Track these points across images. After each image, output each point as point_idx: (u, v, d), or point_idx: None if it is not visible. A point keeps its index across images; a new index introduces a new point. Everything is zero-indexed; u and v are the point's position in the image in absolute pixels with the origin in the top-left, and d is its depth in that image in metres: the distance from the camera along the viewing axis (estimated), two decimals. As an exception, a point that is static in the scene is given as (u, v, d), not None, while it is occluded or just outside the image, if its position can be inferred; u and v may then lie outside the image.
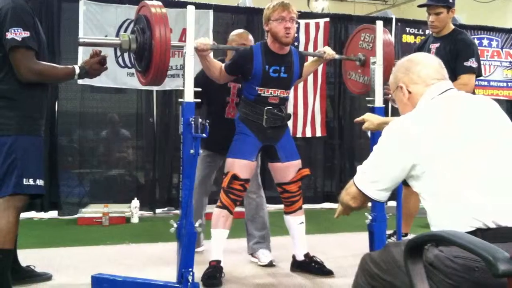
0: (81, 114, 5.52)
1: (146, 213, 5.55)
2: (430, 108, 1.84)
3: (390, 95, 2.17)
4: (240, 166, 3.33)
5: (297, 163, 3.53)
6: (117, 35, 5.00)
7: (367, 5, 10.76)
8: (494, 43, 6.66)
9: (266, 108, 3.36)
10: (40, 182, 2.93)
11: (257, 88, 3.35)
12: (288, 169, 3.49)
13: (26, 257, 3.39)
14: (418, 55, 2.03)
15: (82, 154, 5.60)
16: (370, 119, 2.76)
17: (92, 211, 5.34)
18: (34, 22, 2.90)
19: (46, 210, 5.29)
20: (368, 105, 3.54)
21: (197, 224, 2.92)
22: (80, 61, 4.68)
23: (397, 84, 1.97)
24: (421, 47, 4.04)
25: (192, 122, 2.85)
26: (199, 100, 2.96)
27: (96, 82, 4.92)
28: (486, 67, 6.48)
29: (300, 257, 3.56)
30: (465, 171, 1.70)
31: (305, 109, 5.98)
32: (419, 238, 1.49)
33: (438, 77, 1.92)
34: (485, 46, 6.57)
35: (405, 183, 1.88)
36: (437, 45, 3.89)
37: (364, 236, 3.53)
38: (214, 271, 3.31)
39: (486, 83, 6.59)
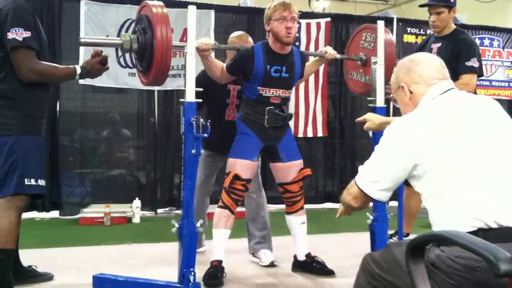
0: (83, 114, 5.53)
1: (147, 213, 5.55)
2: (432, 108, 1.84)
3: (391, 95, 2.17)
4: (242, 166, 3.33)
5: (299, 163, 3.53)
6: (118, 35, 5.01)
7: (368, 5, 10.74)
8: (495, 43, 6.65)
9: (267, 108, 3.36)
10: (41, 182, 2.93)
11: (258, 88, 3.35)
12: (290, 169, 3.48)
13: (28, 257, 3.39)
14: (420, 55, 2.03)
15: (83, 154, 5.60)
16: (371, 119, 2.76)
17: (94, 211, 5.34)
18: (35, 22, 2.90)
19: (48, 210, 5.29)
20: (370, 105, 3.54)
21: (198, 224, 2.92)
22: (81, 61, 4.69)
23: (399, 84, 1.97)
24: (423, 47, 4.04)
25: (194, 122, 2.85)
26: (200, 100, 2.96)
27: (98, 82, 4.93)
28: (488, 67, 6.48)
29: (302, 257, 3.56)
30: (466, 171, 1.70)
31: (306, 109, 5.98)
32: (421, 238, 1.49)
33: (440, 77, 1.92)
34: (486, 46, 6.57)
35: (406, 183, 1.88)
36: (439, 45, 3.88)
37: (365, 236, 3.53)
38: (216, 271, 3.31)
39: (487, 83, 6.58)
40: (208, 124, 2.87)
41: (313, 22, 5.97)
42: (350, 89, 4.06)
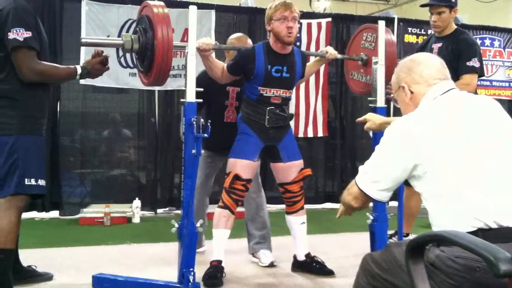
0: (83, 114, 5.53)
1: (147, 213, 5.55)
2: (432, 108, 1.84)
3: (392, 95, 2.16)
4: (242, 166, 3.33)
5: (299, 163, 3.53)
6: (119, 35, 5.01)
7: (369, 5, 10.74)
8: (496, 43, 6.65)
9: (268, 108, 3.36)
10: (41, 182, 2.93)
11: (259, 88, 3.35)
12: (290, 169, 3.48)
13: (28, 257, 3.39)
14: (421, 55, 2.03)
15: (83, 154, 5.60)
16: (372, 119, 2.75)
17: (94, 211, 5.34)
18: (36, 22, 2.90)
19: (48, 210, 5.29)
20: (370, 105, 3.54)
21: (198, 224, 2.92)
22: (82, 61, 4.69)
23: (399, 84, 1.97)
24: (424, 47, 4.04)
25: (194, 122, 2.85)
26: (201, 100, 2.96)
27: (98, 82, 4.93)
28: (488, 67, 6.48)
29: (301, 257, 3.56)
30: (467, 171, 1.70)
31: (307, 109, 5.98)
32: (421, 238, 1.49)
33: (440, 77, 1.92)
34: (487, 46, 6.56)
35: (406, 183, 1.88)
36: (440, 45, 3.88)
37: (365, 236, 3.53)
38: (215, 271, 3.31)
39: (488, 83, 6.58)
40: (209, 124, 2.87)
41: (314, 22, 5.96)
42: (351, 89, 4.06)
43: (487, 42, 6.60)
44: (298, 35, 3.79)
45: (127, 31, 5.15)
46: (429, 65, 1.93)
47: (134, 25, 3.49)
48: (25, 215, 3.97)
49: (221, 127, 3.49)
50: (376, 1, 10.92)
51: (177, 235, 2.93)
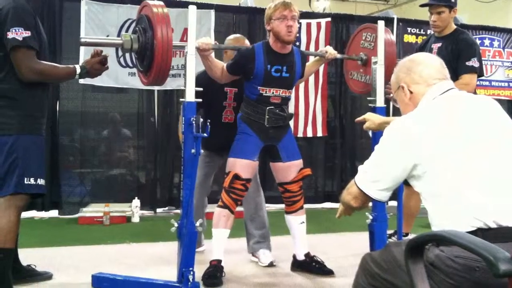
0: (83, 113, 5.53)
1: (147, 213, 5.56)
2: (432, 108, 1.84)
3: (391, 95, 2.17)
4: (242, 166, 3.33)
5: (299, 163, 3.53)
6: (119, 35, 5.01)
7: (368, 5, 10.74)
8: (495, 43, 6.65)
9: (268, 108, 3.36)
10: (41, 181, 2.93)
11: (259, 87, 3.35)
12: (290, 169, 3.49)
13: (27, 256, 3.39)
14: (420, 55, 2.03)
15: (83, 154, 5.61)
16: (371, 119, 2.76)
17: (93, 210, 5.34)
18: (35, 21, 2.90)
19: (47, 209, 5.30)
20: (370, 104, 3.54)
21: (197, 224, 2.92)
22: (81, 61, 4.69)
23: (399, 84, 1.97)
24: (423, 47, 4.04)
25: (194, 122, 2.85)
26: (200, 100, 2.96)
27: (98, 81, 4.93)
28: (488, 67, 6.48)
29: (301, 257, 3.56)
30: (466, 171, 1.70)
31: (306, 109, 5.98)
32: (420, 237, 1.49)
33: (440, 77, 1.92)
34: (486, 46, 6.57)
35: (406, 182, 1.88)
36: (439, 45, 3.88)
37: (364, 236, 3.53)
38: (215, 271, 3.31)
39: (487, 83, 6.59)
40: (208, 123, 2.87)
41: (313, 22, 5.96)
42: (350, 89, 4.06)
43: (487, 42, 6.60)
44: (297, 35, 3.79)
45: (127, 31, 5.15)
46: (428, 65, 1.93)
47: (133, 24, 3.49)
48: (25, 214, 3.96)
49: (219, 127, 3.48)
50: (375, 1, 10.93)
51: (176, 235, 2.93)
